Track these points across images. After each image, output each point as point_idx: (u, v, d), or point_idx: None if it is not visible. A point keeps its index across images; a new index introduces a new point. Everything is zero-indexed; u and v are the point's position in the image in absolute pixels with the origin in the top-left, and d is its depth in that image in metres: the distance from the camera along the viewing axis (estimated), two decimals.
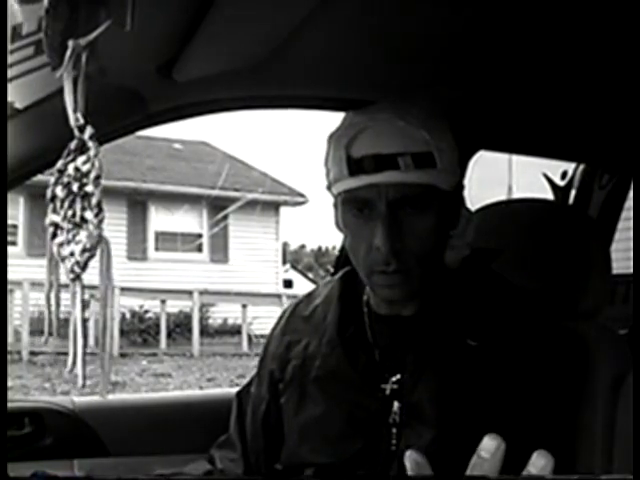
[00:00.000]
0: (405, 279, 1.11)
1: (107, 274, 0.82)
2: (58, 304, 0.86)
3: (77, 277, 0.83)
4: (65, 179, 0.85)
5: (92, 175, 0.81)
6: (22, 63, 1.04)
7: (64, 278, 0.87)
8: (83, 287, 0.83)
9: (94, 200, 0.81)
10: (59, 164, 0.86)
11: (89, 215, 0.82)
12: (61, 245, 0.84)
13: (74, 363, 0.82)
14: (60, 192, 0.85)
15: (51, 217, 0.86)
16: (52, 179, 0.87)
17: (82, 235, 0.82)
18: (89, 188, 0.82)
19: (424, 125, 1.09)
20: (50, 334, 0.87)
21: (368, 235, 1.10)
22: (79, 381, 0.82)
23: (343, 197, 1.13)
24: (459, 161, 1.16)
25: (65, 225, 0.84)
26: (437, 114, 1.16)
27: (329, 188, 1.17)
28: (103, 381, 0.84)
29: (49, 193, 0.86)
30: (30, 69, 1.05)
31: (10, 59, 1.02)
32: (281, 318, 1.33)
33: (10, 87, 1.07)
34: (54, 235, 0.85)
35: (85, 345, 0.83)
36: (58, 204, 0.86)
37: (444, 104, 1.51)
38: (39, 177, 1.28)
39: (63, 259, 0.84)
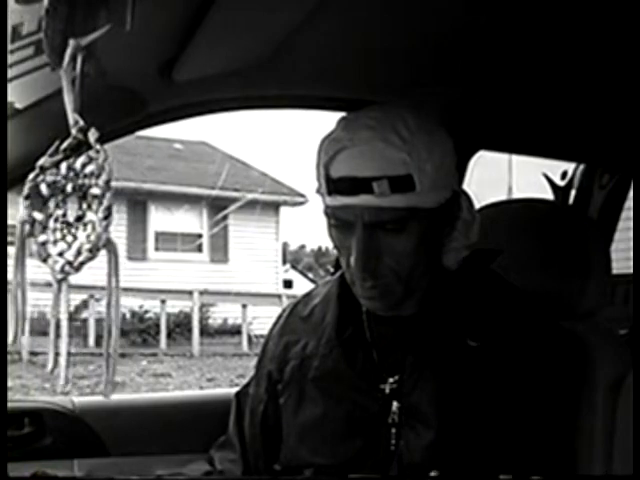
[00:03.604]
0: (384, 293, 1.12)
1: (115, 276, 0.81)
2: (24, 302, 0.85)
3: (66, 277, 0.82)
4: (50, 177, 0.84)
5: (103, 178, 0.81)
6: (22, 63, 1.04)
7: (34, 277, 0.86)
8: (69, 287, 0.82)
9: (105, 203, 0.80)
10: (42, 161, 0.85)
11: (92, 217, 0.81)
12: (44, 244, 0.83)
13: (55, 363, 0.81)
14: (45, 190, 0.84)
15: (31, 214, 0.85)
16: (31, 175, 0.85)
17: (79, 235, 0.82)
18: (96, 190, 0.81)
19: (407, 144, 1.06)
20: (19, 333, 0.85)
21: (348, 249, 1.11)
22: (61, 380, 0.81)
23: (326, 211, 1.13)
24: (457, 165, 1.16)
25: (51, 224, 0.83)
26: (433, 124, 1.12)
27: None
28: (107, 381, 0.84)
29: (27, 190, 0.85)
30: (30, 69, 1.05)
31: (10, 59, 1.02)
32: (279, 318, 1.33)
33: (10, 87, 1.07)
34: (31, 233, 0.84)
35: (70, 344, 0.82)
36: (40, 202, 0.84)
37: (444, 104, 1.51)
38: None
39: (46, 258, 0.83)
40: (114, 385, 0.86)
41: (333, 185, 1.09)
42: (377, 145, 1.06)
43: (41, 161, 0.85)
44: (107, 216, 0.80)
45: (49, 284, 0.83)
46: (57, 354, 0.82)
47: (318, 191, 1.16)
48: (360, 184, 1.06)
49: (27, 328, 0.85)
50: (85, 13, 0.84)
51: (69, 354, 0.82)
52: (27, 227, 0.84)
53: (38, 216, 0.84)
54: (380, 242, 1.09)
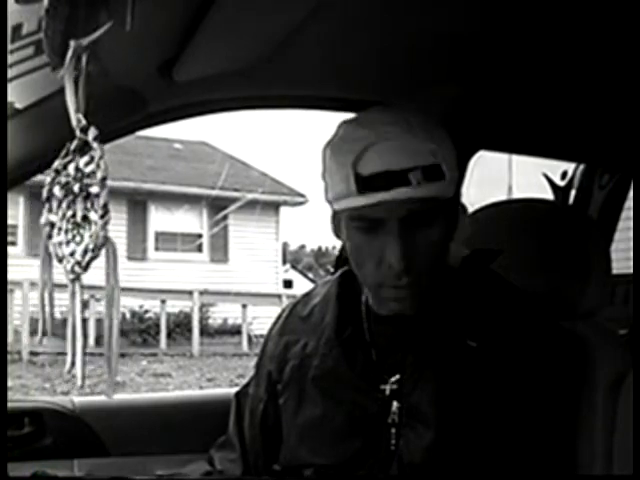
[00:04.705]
0: (414, 292, 1.11)
1: (113, 275, 0.81)
2: (52, 304, 0.86)
3: (77, 277, 0.82)
4: (63, 179, 0.85)
5: (98, 176, 0.81)
6: (22, 63, 1.04)
7: (57, 278, 0.87)
8: (82, 287, 0.83)
9: (101, 201, 0.81)
10: (56, 164, 0.86)
11: (94, 216, 0.82)
12: (59, 245, 0.84)
13: (73, 363, 0.82)
14: (58, 192, 0.85)
15: (48, 217, 0.86)
16: (48, 178, 0.86)
17: (85, 235, 0.82)
18: (94, 189, 0.82)
19: (430, 136, 1.08)
20: (44, 334, 0.86)
21: (377, 251, 1.09)
22: (78, 381, 0.82)
23: (349, 214, 1.11)
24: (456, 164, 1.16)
25: (64, 225, 0.84)
26: (436, 119, 1.14)
27: (330, 203, 1.14)
28: (110, 381, 0.84)
29: (45, 193, 0.86)
30: (30, 69, 1.05)
31: (10, 59, 1.02)
32: (279, 318, 1.33)
33: (10, 87, 1.07)
34: (50, 235, 0.85)
35: (85, 345, 0.83)
36: (55, 204, 0.85)
37: (444, 104, 1.51)
38: (39, 177, 1.28)
39: (61, 259, 0.84)
40: (113, 385, 0.86)
41: (364, 183, 1.07)
42: (405, 137, 1.07)
43: (55, 164, 0.86)
44: (104, 214, 0.81)
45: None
46: (74, 354, 0.82)
47: (329, 197, 1.13)
48: (395, 177, 1.05)
49: (27, 327, 0.86)
50: (85, 13, 0.84)
51: (85, 354, 0.82)
52: (47, 229, 0.85)
53: (54, 218, 0.85)
54: (414, 238, 1.08)
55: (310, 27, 1.13)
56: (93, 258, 0.81)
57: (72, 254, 0.83)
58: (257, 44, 1.19)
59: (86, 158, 0.83)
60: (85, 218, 0.83)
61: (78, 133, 0.84)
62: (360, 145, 1.07)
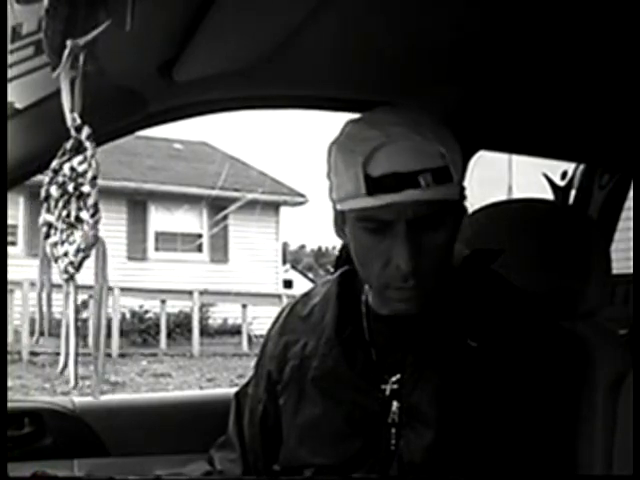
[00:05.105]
0: (421, 293, 1.11)
1: (102, 274, 0.81)
2: (50, 304, 0.85)
3: (71, 277, 0.82)
4: (60, 179, 0.85)
5: (89, 175, 0.81)
6: (22, 63, 1.04)
7: (57, 278, 0.87)
8: (77, 287, 0.83)
9: (91, 200, 0.81)
10: (54, 164, 0.86)
11: (85, 215, 0.82)
12: (55, 245, 0.84)
13: (66, 363, 0.82)
14: (55, 192, 0.85)
15: (45, 217, 0.86)
16: (46, 179, 0.86)
17: (77, 235, 0.82)
18: (85, 188, 0.82)
19: (437, 137, 1.07)
20: (42, 334, 0.86)
21: (384, 252, 1.08)
22: (71, 381, 0.81)
23: (356, 215, 1.10)
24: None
25: (59, 225, 0.84)
26: (441, 119, 1.14)
27: (335, 203, 1.14)
28: (97, 381, 0.84)
29: (43, 193, 0.86)
30: (30, 69, 1.05)
31: (10, 59, 1.02)
32: (278, 318, 1.33)
33: (10, 87, 1.07)
34: (47, 235, 0.85)
35: (78, 345, 0.82)
36: (52, 204, 0.85)
37: (444, 104, 1.51)
38: (39, 177, 1.28)
39: (57, 259, 0.83)
40: (100, 386, 0.86)
41: (374, 184, 1.06)
42: (415, 139, 1.06)
43: (53, 164, 0.86)
44: (94, 213, 0.81)
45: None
46: (67, 355, 0.82)
47: (335, 197, 1.12)
48: (405, 179, 1.05)
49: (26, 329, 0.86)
50: (85, 13, 0.84)
51: (77, 354, 0.82)
52: (45, 229, 0.85)
53: (50, 218, 0.85)
54: (421, 240, 1.08)
55: (310, 27, 1.13)
56: (85, 258, 0.81)
57: (66, 254, 0.83)
58: (257, 44, 1.19)
59: (80, 157, 0.83)
60: (78, 218, 0.83)
61: (73, 132, 0.84)
62: (369, 146, 1.07)
